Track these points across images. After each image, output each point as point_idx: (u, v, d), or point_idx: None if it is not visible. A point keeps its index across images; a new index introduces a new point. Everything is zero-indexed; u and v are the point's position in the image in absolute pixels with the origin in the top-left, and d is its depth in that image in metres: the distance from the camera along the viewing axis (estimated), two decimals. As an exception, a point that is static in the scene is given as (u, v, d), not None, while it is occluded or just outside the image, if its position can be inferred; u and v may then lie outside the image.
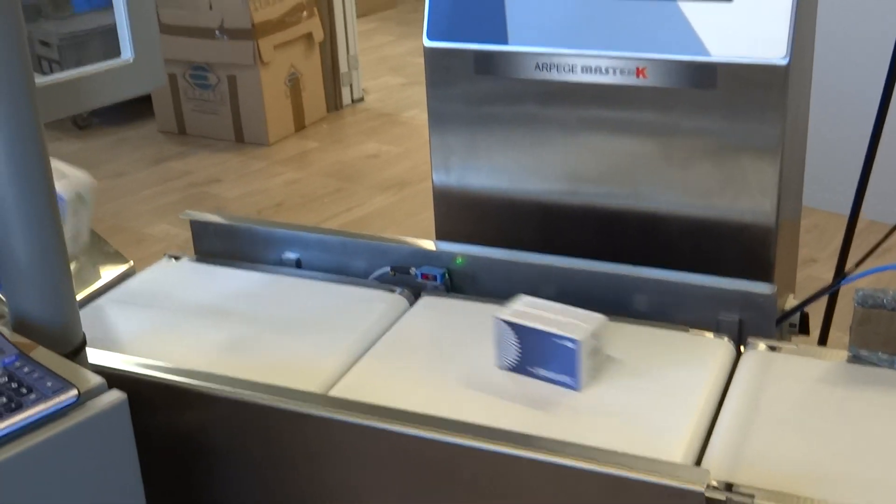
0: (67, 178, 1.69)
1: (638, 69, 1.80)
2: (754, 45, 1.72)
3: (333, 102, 5.14)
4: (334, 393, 1.50)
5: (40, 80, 1.36)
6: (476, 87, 1.93)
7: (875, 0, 3.12)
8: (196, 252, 2.00)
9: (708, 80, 1.76)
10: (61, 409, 1.13)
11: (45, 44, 5.89)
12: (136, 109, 5.05)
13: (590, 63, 1.83)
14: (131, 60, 1.56)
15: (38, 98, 1.26)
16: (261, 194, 4.16)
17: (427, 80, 1.98)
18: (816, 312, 2.01)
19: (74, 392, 1.14)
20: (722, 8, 1.74)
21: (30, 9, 5.28)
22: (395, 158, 4.49)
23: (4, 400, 1.12)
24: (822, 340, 2.07)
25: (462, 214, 2.03)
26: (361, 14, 6.01)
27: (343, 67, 5.16)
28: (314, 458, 1.42)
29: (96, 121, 5.04)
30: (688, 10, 1.76)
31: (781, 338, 1.68)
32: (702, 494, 1.18)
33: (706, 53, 1.75)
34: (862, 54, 3.05)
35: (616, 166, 1.89)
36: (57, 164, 1.53)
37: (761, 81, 1.73)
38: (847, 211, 2.01)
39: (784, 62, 1.70)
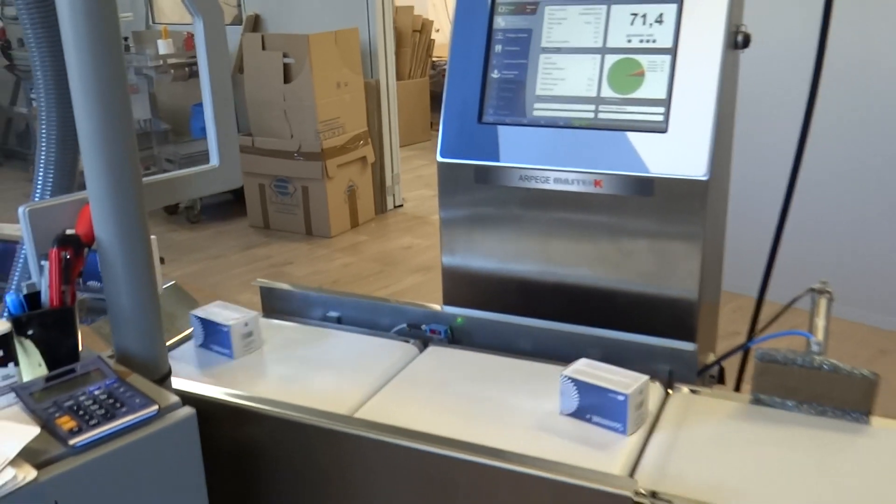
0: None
1: (596, 181, 1.81)
2: (682, 165, 1.72)
3: (380, 207, 5.19)
4: (359, 415, 1.49)
5: (147, 179, 1.39)
6: (475, 194, 1.94)
7: (783, 125, 3.14)
8: (263, 310, 2.01)
9: (647, 190, 1.76)
10: (144, 419, 1.13)
11: (169, 161, 6.03)
12: (234, 210, 5.13)
13: (560, 176, 1.84)
14: (217, 165, 1.58)
15: (145, 191, 1.28)
16: (322, 274, 4.18)
17: (439, 188, 1.99)
18: (733, 368, 1.98)
19: (155, 407, 1.14)
20: (659, 137, 1.75)
21: (161, 134, 5.43)
22: (424, 249, 4.51)
23: (103, 411, 1.13)
24: (737, 388, 2.03)
25: (464, 287, 2.02)
26: (404, 144, 6.10)
27: (388, 182, 5.22)
28: (341, 466, 1.40)
29: (204, 218, 5.11)
30: (633, 138, 1.77)
31: (703, 385, 1.65)
32: (630, 499, 1.16)
33: (646, 170, 1.75)
34: (776, 172, 3.06)
35: (579, 254, 1.88)
36: None
37: (687, 192, 1.72)
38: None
39: (705, 178, 1.70)
